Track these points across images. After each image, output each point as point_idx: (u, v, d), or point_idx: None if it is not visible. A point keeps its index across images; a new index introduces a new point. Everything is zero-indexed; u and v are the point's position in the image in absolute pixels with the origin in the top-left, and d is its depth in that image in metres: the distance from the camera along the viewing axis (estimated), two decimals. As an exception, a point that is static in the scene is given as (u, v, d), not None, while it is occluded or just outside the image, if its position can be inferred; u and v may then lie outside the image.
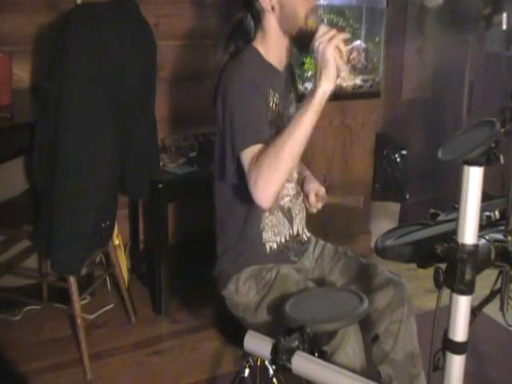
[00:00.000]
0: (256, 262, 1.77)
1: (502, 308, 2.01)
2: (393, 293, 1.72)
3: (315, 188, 1.89)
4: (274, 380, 1.64)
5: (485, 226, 1.31)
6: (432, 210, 1.45)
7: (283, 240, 1.81)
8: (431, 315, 1.19)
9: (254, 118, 1.59)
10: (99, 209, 2.27)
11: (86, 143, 2.14)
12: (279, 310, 1.49)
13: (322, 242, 1.95)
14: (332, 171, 3.16)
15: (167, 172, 2.72)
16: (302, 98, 1.62)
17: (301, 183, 1.91)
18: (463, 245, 1.10)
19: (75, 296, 2.32)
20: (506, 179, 1.59)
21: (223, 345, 2.51)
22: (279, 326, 1.43)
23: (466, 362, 1.16)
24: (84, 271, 2.70)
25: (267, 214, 1.76)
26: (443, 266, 1.13)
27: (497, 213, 1.37)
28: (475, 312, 2.25)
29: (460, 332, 1.14)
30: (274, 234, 1.79)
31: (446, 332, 1.16)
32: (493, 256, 1.18)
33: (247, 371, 1.60)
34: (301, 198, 1.89)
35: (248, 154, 1.53)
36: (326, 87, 1.47)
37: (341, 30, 1.54)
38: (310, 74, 3.08)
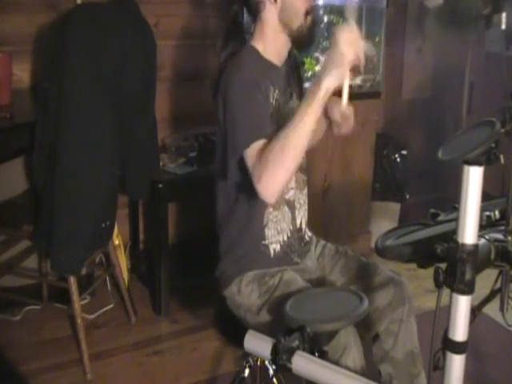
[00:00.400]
0: (260, 266, 1.77)
1: (501, 308, 2.01)
2: (393, 292, 1.72)
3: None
4: (274, 380, 1.64)
5: (485, 225, 1.31)
6: (432, 210, 1.45)
7: (286, 238, 1.80)
8: (431, 315, 1.19)
9: (256, 116, 1.59)
10: (99, 209, 2.27)
11: (85, 143, 2.14)
12: (280, 312, 1.49)
13: (322, 242, 1.95)
14: (332, 171, 3.16)
15: (167, 172, 2.72)
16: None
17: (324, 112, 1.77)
18: (463, 245, 1.10)
19: (75, 296, 2.32)
20: (506, 179, 1.59)
21: (223, 345, 2.51)
22: (280, 326, 1.43)
23: (466, 361, 1.16)
24: (84, 271, 2.69)
25: (271, 209, 1.75)
26: (443, 265, 1.13)
27: (497, 213, 1.37)
28: (475, 312, 2.25)
29: (460, 332, 1.14)
30: (276, 232, 1.78)
31: (446, 332, 1.16)
32: (493, 256, 1.18)
33: (247, 371, 1.60)
34: (306, 189, 1.88)
35: (251, 151, 1.53)
36: (330, 82, 1.45)
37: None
38: (310, 74, 3.08)
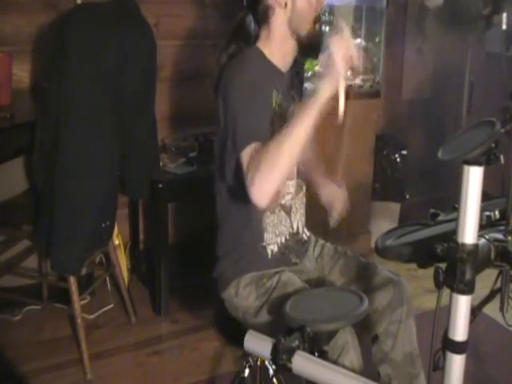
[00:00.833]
0: (257, 268, 1.76)
1: (501, 308, 2.01)
2: (392, 293, 1.72)
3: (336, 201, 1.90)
4: (274, 380, 1.64)
5: (485, 225, 1.31)
6: (432, 210, 1.45)
7: (284, 240, 1.80)
8: (431, 315, 1.19)
9: (255, 118, 1.58)
10: (99, 209, 2.27)
11: (86, 143, 2.14)
12: (279, 312, 1.48)
13: (321, 242, 1.95)
14: (332, 171, 3.15)
15: (167, 172, 2.72)
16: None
17: (312, 184, 1.89)
18: (463, 244, 1.10)
19: (75, 296, 2.32)
20: (506, 179, 1.59)
21: (223, 345, 2.51)
22: (279, 327, 1.43)
23: (466, 361, 1.16)
24: (84, 271, 2.69)
25: (268, 213, 1.75)
26: (443, 265, 1.13)
27: (497, 213, 1.37)
28: (475, 312, 2.25)
29: (460, 332, 1.14)
30: (275, 235, 1.78)
31: (445, 332, 1.16)
32: (493, 256, 1.18)
33: (247, 371, 1.60)
34: (302, 193, 1.88)
35: (247, 153, 1.53)
36: (327, 88, 1.46)
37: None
38: (309, 74, 3.08)
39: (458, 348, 1.15)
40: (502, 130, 1.25)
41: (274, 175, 1.46)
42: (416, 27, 3.58)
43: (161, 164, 2.71)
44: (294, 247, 1.83)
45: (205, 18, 3.05)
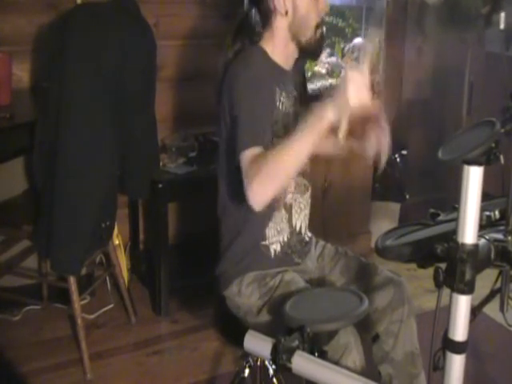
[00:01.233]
0: (260, 267, 1.76)
1: (501, 308, 2.01)
2: (393, 292, 1.72)
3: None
4: (274, 380, 1.64)
5: (485, 225, 1.31)
6: (432, 210, 1.45)
7: (285, 239, 1.80)
8: (431, 315, 1.19)
9: (260, 117, 1.58)
10: (99, 209, 2.27)
11: (85, 143, 2.14)
12: (280, 312, 1.48)
13: (322, 243, 1.95)
14: (332, 171, 3.15)
15: (167, 172, 2.71)
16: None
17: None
18: (463, 244, 1.10)
19: (75, 296, 2.32)
20: (506, 179, 1.59)
21: (223, 345, 2.51)
22: (279, 327, 1.43)
23: (466, 361, 1.16)
24: (84, 271, 2.69)
25: (270, 210, 1.75)
26: (443, 265, 1.13)
27: (497, 213, 1.36)
28: (475, 312, 2.25)
29: (460, 332, 1.14)
30: (277, 232, 1.78)
31: (445, 332, 1.16)
32: (493, 256, 1.18)
33: (247, 371, 1.60)
34: (308, 194, 1.87)
35: (247, 155, 1.52)
36: (331, 116, 1.41)
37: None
38: (309, 74, 3.08)
39: (457, 348, 1.15)
40: (502, 130, 1.26)
41: (273, 186, 1.46)
42: (416, 27, 3.57)
43: (161, 164, 2.70)
44: (297, 247, 1.83)
45: (205, 18, 3.05)
